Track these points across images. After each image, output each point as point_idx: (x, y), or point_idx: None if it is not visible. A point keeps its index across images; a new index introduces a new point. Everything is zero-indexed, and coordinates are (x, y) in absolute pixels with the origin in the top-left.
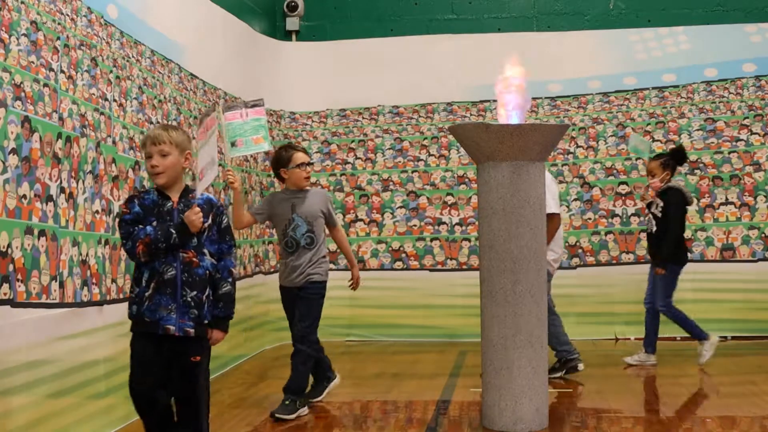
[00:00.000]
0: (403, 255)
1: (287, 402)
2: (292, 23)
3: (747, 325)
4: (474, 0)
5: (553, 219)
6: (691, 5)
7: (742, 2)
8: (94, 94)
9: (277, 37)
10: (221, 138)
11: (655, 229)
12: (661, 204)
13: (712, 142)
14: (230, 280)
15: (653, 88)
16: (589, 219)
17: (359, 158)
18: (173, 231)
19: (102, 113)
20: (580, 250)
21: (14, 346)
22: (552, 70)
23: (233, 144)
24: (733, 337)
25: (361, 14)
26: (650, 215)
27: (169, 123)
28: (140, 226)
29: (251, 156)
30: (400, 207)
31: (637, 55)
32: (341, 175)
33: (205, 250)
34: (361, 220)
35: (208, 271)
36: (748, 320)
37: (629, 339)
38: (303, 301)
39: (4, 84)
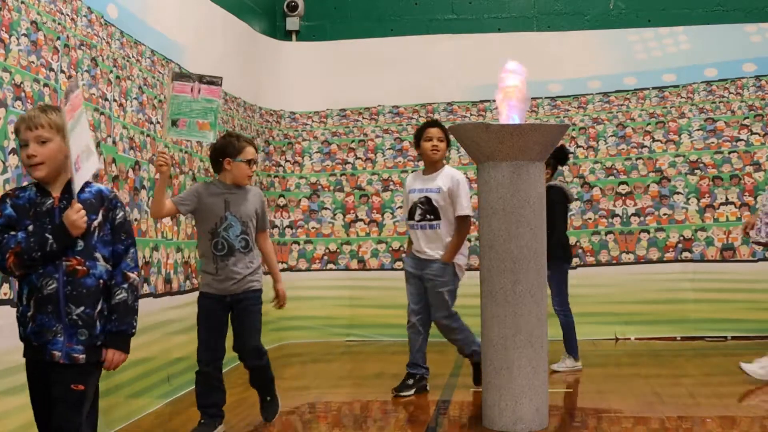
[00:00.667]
0: (403, 255)
1: (269, 398)
2: (292, 23)
3: (747, 325)
4: (474, 0)
5: (466, 221)
6: (691, 5)
7: (742, 2)
8: (94, 94)
9: (277, 37)
10: (164, 113)
11: None
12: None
13: (712, 142)
14: (125, 286)
15: (653, 88)
16: (589, 219)
17: (359, 158)
18: (49, 236)
19: (102, 113)
20: (580, 250)
21: (14, 346)
22: (552, 70)
23: (174, 123)
24: (733, 337)
25: (361, 14)
26: None
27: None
28: (12, 233)
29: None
30: (400, 207)
31: (637, 55)
32: (341, 175)
33: (97, 255)
34: (361, 220)
35: (101, 281)
36: (748, 320)
37: (629, 339)
38: (246, 315)
39: (4, 84)
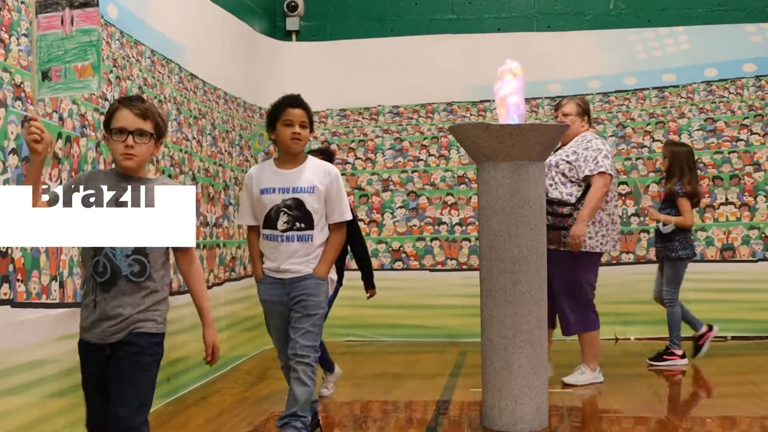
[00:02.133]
0: (403, 255)
1: None
2: (292, 23)
3: (747, 325)
4: (474, 0)
5: (344, 227)
6: (691, 5)
7: (742, 2)
8: (94, 94)
9: (277, 37)
10: (31, 62)
11: None
12: None
13: (712, 142)
14: None
15: (653, 88)
16: None
17: (359, 158)
18: None
19: (102, 113)
20: None
21: (14, 346)
22: (552, 70)
23: (46, 75)
24: (733, 337)
25: (361, 14)
26: None
27: None
28: None
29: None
30: (400, 207)
31: (637, 55)
32: (341, 175)
33: None
34: (361, 220)
35: None
36: (748, 320)
37: (629, 339)
38: (128, 368)
39: (4, 84)
